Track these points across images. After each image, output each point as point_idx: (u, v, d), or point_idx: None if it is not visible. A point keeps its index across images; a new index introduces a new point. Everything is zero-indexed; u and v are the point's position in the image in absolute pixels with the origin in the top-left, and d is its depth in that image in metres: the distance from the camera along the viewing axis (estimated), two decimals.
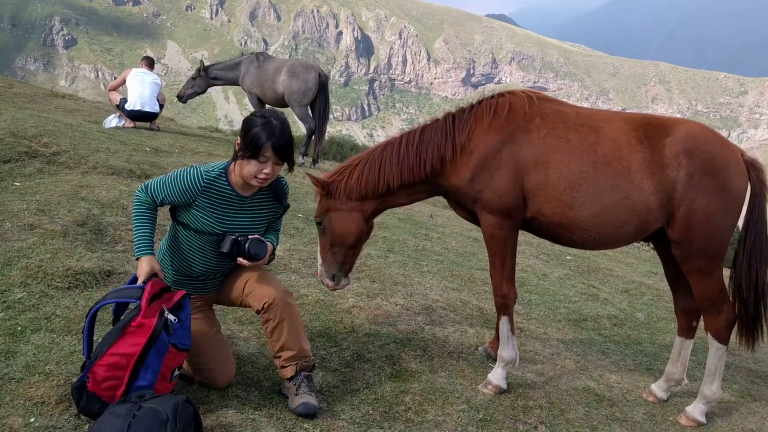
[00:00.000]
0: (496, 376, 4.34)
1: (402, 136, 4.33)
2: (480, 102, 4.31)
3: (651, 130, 4.15)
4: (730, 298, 4.41)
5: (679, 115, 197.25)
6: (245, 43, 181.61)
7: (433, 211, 10.77)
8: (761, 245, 4.37)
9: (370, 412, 3.85)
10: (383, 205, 4.38)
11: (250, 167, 3.44)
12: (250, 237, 3.58)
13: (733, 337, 4.50)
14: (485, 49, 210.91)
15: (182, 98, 12.96)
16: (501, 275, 4.31)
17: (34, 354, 3.66)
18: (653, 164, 4.06)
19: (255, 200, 3.71)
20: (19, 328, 3.90)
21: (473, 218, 4.43)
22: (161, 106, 11.93)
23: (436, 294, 5.85)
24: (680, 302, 4.66)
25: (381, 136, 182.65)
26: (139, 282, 3.35)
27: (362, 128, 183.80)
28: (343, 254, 4.25)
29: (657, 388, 4.74)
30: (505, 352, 4.36)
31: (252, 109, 12.41)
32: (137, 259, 3.45)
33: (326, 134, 12.27)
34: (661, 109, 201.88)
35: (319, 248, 4.31)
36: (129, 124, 11.48)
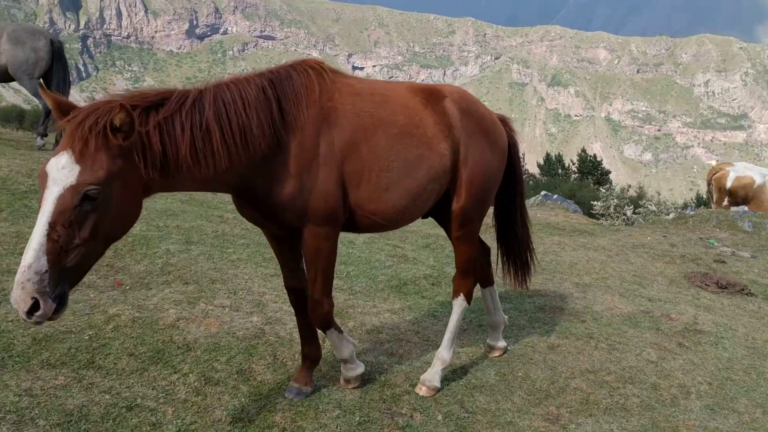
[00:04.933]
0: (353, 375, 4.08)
1: (227, 87, 3.16)
2: (282, 74, 3.42)
3: (427, 94, 3.98)
4: (495, 246, 4.88)
5: (400, 57, 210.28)
6: None
7: None
8: (522, 190, 4.77)
9: None
10: (177, 185, 3.09)
11: None
12: None
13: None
14: None
15: None
16: (323, 291, 3.63)
17: None
18: (443, 127, 3.90)
19: None
20: None
21: (269, 222, 3.55)
22: None
23: (258, 286, 5.42)
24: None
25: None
26: None
27: (81, 91, 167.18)
28: (96, 258, 2.76)
29: (495, 341, 4.87)
30: (345, 351, 3.92)
31: None
32: None
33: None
34: (383, 52, 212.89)
35: (44, 240, 2.49)
36: None
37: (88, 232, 2.55)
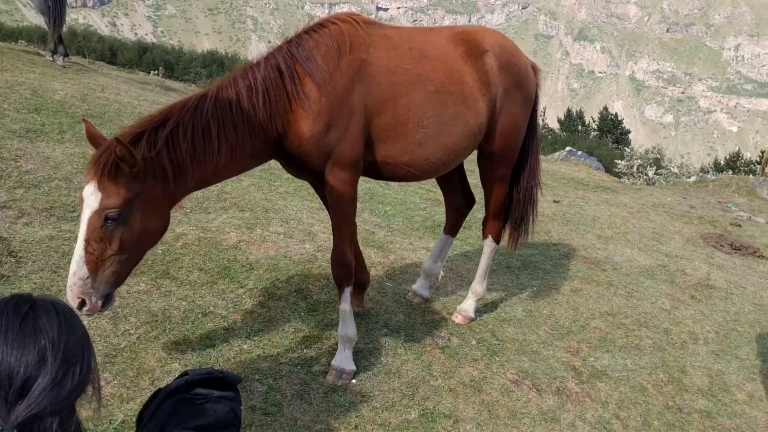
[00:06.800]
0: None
1: (233, 81, 3.32)
2: (313, 32, 3.54)
3: (469, 47, 4.03)
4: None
5: (426, 0, 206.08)
6: None
7: None
8: (536, 146, 4.80)
9: (305, 351, 3.93)
10: (201, 184, 3.40)
11: None
12: None
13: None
14: None
15: None
16: (345, 240, 3.73)
17: None
18: (482, 85, 3.99)
19: None
20: None
21: (311, 177, 3.80)
22: None
23: (307, 217, 5.87)
24: (451, 201, 4.86)
25: (125, 25, 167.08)
26: None
27: (102, 16, 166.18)
28: (134, 262, 3.12)
29: (420, 288, 4.89)
30: (350, 328, 3.81)
31: None
32: None
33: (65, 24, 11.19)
34: None
35: (83, 253, 2.86)
36: None
37: (117, 245, 2.92)
